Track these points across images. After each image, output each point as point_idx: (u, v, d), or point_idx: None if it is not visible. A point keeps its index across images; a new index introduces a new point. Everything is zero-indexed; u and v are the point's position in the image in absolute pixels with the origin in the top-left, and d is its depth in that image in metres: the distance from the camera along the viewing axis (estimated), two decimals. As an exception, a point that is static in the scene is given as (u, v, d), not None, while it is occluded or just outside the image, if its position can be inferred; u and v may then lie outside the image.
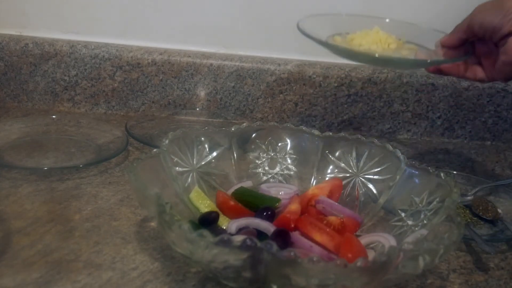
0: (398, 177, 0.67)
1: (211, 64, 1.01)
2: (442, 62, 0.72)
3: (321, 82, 1.00)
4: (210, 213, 0.63)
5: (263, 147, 0.75)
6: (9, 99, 1.03)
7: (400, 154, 0.68)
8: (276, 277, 0.48)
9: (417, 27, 0.80)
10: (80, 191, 0.73)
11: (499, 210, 0.74)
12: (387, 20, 0.82)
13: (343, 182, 0.71)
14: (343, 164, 0.73)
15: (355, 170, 0.72)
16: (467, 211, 0.74)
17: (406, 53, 0.74)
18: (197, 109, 1.03)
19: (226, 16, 1.01)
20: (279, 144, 0.76)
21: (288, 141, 0.76)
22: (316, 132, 0.74)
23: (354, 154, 0.72)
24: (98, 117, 1.01)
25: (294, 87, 1.01)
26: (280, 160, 0.76)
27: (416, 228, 0.61)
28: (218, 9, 1.01)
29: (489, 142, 1.05)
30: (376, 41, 0.74)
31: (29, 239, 0.61)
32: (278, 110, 1.03)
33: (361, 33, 0.76)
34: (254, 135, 0.75)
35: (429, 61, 0.73)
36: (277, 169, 0.75)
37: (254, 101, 1.03)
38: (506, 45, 0.65)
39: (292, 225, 0.61)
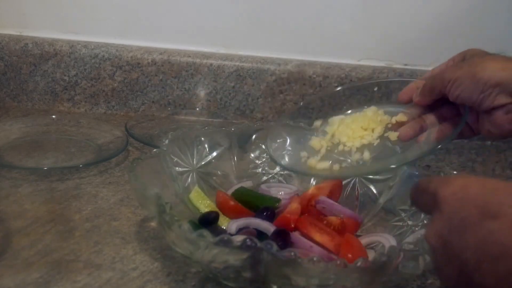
0: (398, 177, 0.67)
1: (211, 64, 1.01)
2: (448, 140, 0.61)
3: (321, 82, 1.00)
4: (210, 213, 0.63)
5: (263, 147, 0.75)
6: (9, 99, 1.03)
7: (400, 154, 0.68)
8: (276, 277, 0.48)
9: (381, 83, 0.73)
10: (80, 191, 0.73)
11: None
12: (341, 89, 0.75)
13: (343, 182, 0.71)
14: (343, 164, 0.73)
15: (355, 170, 0.72)
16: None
17: (394, 136, 0.63)
18: (197, 109, 1.03)
19: (226, 16, 1.01)
20: (279, 144, 0.75)
21: (288, 141, 0.76)
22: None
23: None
24: (98, 117, 1.01)
25: (294, 87, 1.01)
26: (280, 160, 0.75)
27: (416, 228, 0.61)
28: (218, 9, 1.01)
29: (489, 142, 1.04)
30: (358, 129, 0.66)
31: (29, 239, 0.61)
32: (278, 110, 1.03)
33: (338, 127, 0.68)
34: (254, 135, 0.75)
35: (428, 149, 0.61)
36: (277, 169, 0.75)
37: (254, 101, 1.03)
38: (492, 118, 0.58)
39: (292, 225, 0.61)
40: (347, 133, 0.66)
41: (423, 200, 0.43)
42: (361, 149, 0.64)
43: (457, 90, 0.58)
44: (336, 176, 0.68)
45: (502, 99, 0.56)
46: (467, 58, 0.62)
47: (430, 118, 0.63)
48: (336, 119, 0.70)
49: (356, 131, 0.66)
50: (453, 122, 0.62)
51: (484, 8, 0.98)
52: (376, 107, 0.69)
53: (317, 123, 0.71)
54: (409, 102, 0.65)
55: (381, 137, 0.64)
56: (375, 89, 0.74)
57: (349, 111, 0.72)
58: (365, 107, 0.70)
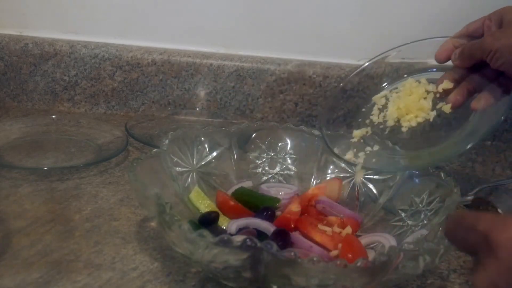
0: (398, 177, 0.67)
1: (211, 64, 1.01)
2: (505, 114, 0.59)
3: (321, 82, 1.00)
4: (210, 213, 0.63)
5: (263, 147, 0.75)
6: (9, 99, 1.03)
7: (400, 154, 0.68)
8: (276, 277, 0.48)
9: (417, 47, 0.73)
10: (80, 191, 0.73)
11: (499, 210, 0.74)
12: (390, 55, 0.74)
13: (343, 182, 0.71)
14: (343, 164, 0.73)
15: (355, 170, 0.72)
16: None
17: (447, 108, 0.63)
18: (197, 109, 1.03)
19: (226, 16, 1.01)
20: (279, 144, 0.75)
21: (288, 141, 0.76)
22: (316, 132, 0.74)
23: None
24: (98, 117, 1.01)
25: (294, 87, 1.01)
26: (280, 160, 0.76)
27: (416, 228, 0.61)
28: (218, 9, 1.01)
29: (489, 142, 1.04)
30: (409, 108, 0.65)
31: (29, 239, 0.61)
32: (278, 110, 1.03)
33: (386, 106, 0.68)
34: (254, 135, 0.75)
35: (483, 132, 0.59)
36: (277, 169, 0.75)
37: (254, 101, 1.03)
38: None
39: (292, 225, 0.61)
40: (399, 113, 0.65)
41: (468, 238, 0.38)
42: (417, 127, 0.64)
43: (498, 61, 0.59)
44: (419, 166, 0.65)
45: None
46: (505, 22, 0.62)
47: (475, 81, 0.63)
48: (378, 97, 0.69)
49: (407, 109, 0.65)
50: (499, 83, 0.62)
51: (484, 8, 0.98)
52: (412, 79, 0.68)
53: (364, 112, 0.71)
54: (446, 61, 0.65)
55: (435, 110, 0.64)
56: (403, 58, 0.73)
57: (385, 84, 0.71)
58: (405, 76, 0.70)
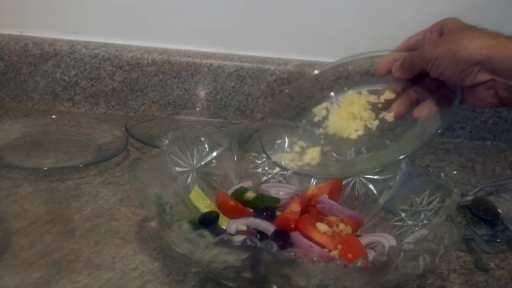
0: (398, 177, 0.67)
1: (211, 64, 1.01)
2: (445, 125, 0.59)
3: (321, 82, 1.00)
4: (210, 213, 0.63)
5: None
6: (9, 99, 1.03)
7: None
8: (276, 277, 0.48)
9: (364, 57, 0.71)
10: (80, 191, 0.73)
11: (499, 210, 0.74)
12: (316, 72, 0.74)
13: (343, 182, 0.71)
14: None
15: (355, 170, 0.72)
16: (467, 211, 0.74)
17: (390, 117, 0.63)
18: (197, 109, 1.03)
19: (226, 16, 1.01)
20: (279, 144, 0.75)
21: (288, 140, 0.76)
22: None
23: (353, 153, 0.72)
24: (98, 117, 1.01)
25: (294, 87, 1.01)
26: (280, 160, 0.75)
27: (416, 228, 0.61)
28: (218, 9, 1.01)
29: (489, 142, 1.04)
30: (350, 118, 0.64)
31: (29, 239, 0.61)
32: (278, 110, 1.02)
33: (327, 117, 0.67)
34: (254, 135, 0.75)
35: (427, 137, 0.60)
36: (277, 169, 0.75)
37: (254, 101, 1.03)
38: (474, 92, 0.58)
39: (292, 225, 0.61)
40: (340, 124, 0.65)
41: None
42: (358, 139, 0.63)
43: (438, 69, 0.58)
44: (345, 173, 0.66)
45: (483, 77, 0.56)
46: (445, 32, 0.62)
47: (417, 92, 0.63)
48: (320, 108, 0.69)
49: (348, 119, 0.64)
50: (440, 95, 0.61)
51: (484, 8, 0.98)
52: (353, 91, 0.67)
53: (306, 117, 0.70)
54: (387, 74, 0.65)
55: (377, 119, 0.64)
56: (350, 68, 0.73)
57: (332, 93, 0.71)
58: (345, 88, 0.69)
